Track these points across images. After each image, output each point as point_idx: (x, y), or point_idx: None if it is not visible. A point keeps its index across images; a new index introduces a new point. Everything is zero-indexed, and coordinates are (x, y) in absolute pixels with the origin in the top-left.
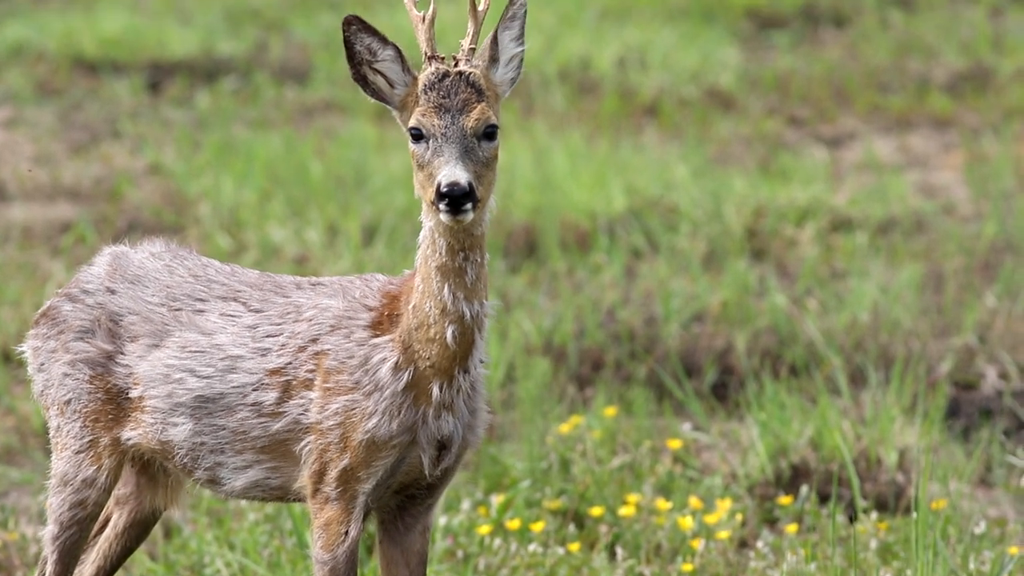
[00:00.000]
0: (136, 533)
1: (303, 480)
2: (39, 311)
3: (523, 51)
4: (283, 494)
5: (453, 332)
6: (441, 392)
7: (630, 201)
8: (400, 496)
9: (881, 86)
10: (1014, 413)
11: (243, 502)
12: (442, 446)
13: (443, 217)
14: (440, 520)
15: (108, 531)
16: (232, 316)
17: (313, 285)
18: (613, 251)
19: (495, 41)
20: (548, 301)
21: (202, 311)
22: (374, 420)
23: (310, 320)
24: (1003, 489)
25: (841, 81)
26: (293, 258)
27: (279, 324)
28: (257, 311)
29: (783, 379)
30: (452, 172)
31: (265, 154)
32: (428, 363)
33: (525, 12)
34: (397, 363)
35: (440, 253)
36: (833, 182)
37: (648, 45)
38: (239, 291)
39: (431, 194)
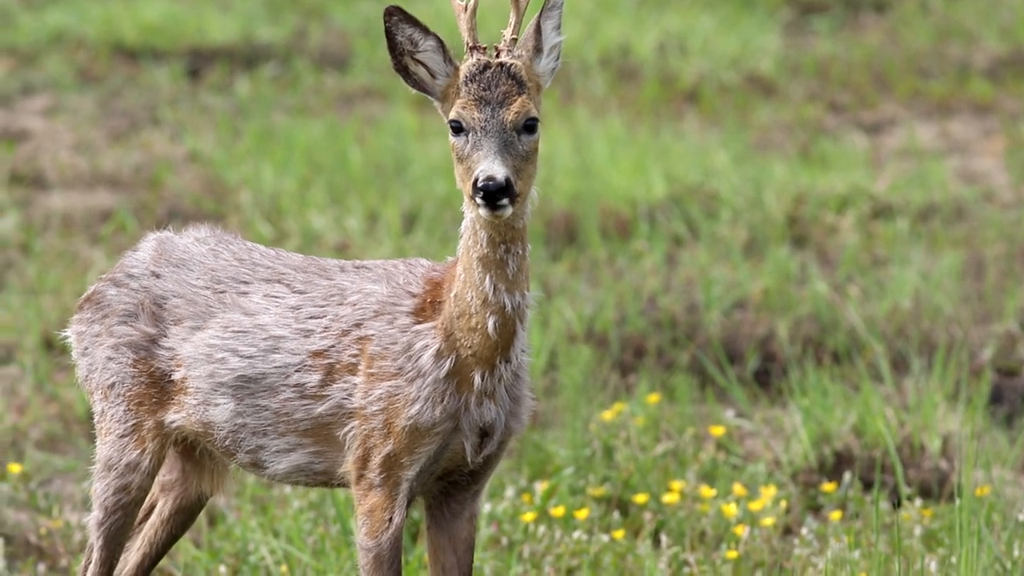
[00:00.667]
0: (181, 520)
1: (347, 466)
2: (83, 296)
3: (562, 40)
4: (327, 479)
5: (494, 323)
6: (483, 380)
7: (670, 188)
8: (443, 482)
9: (921, 71)
10: None
11: (287, 489)
12: (484, 433)
13: (481, 212)
14: (485, 507)
15: (153, 518)
16: (275, 297)
17: (357, 268)
18: (654, 238)
19: (538, 31)
20: (589, 288)
21: (246, 293)
22: (417, 406)
23: (354, 305)
24: None
25: (881, 66)
26: (334, 246)
27: (323, 306)
28: (301, 292)
29: (825, 366)
30: (490, 167)
31: (305, 141)
32: (470, 351)
33: (563, 1)
34: (439, 350)
35: (481, 244)
36: (873, 168)
37: (688, 31)
38: (283, 273)
39: (469, 188)
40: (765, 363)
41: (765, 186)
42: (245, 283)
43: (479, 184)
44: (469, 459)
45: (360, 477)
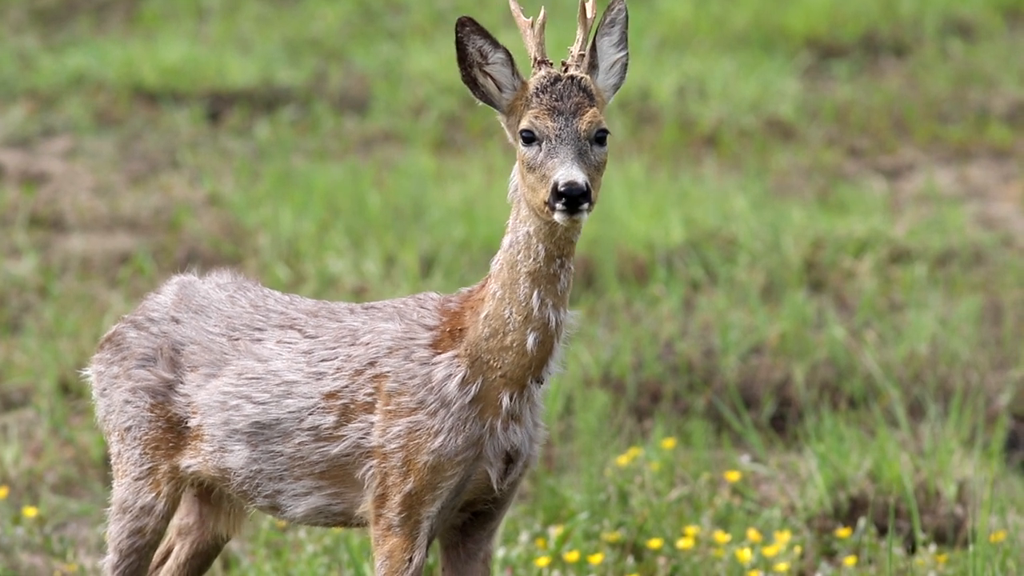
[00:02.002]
0: (198, 564)
1: (366, 506)
2: (105, 335)
3: (626, 55)
4: (346, 519)
5: (535, 339)
6: (511, 401)
7: (688, 232)
8: (466, 513)
9: (940, 116)
10: None
11: (302, 533)
12: (509, 459)
13: (558, 217)
14: (499, 552)
15: (170, 562)
16: (288, 343)
17: (366, 309)
18: (671, 283)
19: (593, 48)
20: (606, 333)
21: (260, 340)
22: (440, 439)
23: (367, 344)
24: None
25: (901, 111)
26: (351, 289)
27: (333, 348)
28: (312, 337)
29: (841, 411)
30: (569, 172)
31: (324, 184)
32: (500, 372)
33: (626, 17)
34: (464, 377)
35: (536, 258)
36: (892, 213)
37: (707, 75)
38: (295, 319)
39: (544, 194)
40: (781, 408)
41: (783, 231)
42: (259, 330)
43: (560, 189)
44: (495, 486)
45: (379, 517)
